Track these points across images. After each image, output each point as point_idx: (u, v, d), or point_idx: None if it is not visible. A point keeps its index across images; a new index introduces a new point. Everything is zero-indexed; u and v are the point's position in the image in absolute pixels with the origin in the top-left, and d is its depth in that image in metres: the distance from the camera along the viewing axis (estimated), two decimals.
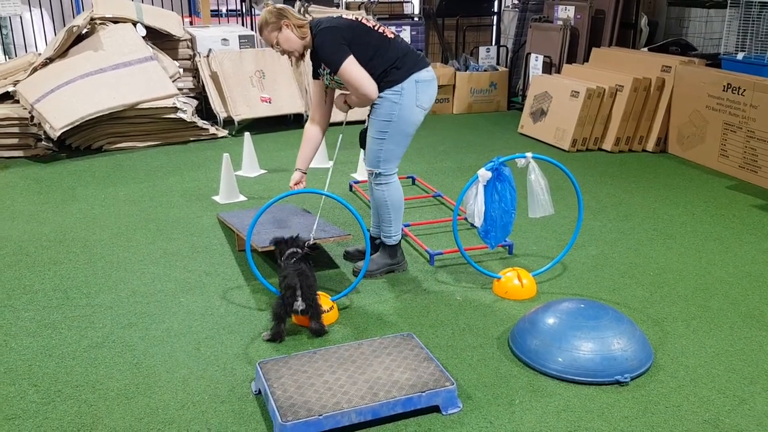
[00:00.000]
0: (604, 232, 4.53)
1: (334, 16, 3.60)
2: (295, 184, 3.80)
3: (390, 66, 3.52)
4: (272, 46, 3.60)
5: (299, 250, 3.39)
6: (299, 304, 3.17)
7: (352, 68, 3.46)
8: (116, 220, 4.78)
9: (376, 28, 3.59)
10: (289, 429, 2.46)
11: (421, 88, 3.59)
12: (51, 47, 6.96)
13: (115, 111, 6.37)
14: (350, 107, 3.74)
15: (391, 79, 3.53)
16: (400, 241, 3.89)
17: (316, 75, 3.71)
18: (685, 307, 3.54)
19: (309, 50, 3.61)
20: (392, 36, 3.61)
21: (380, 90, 3.55)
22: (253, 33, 8.29)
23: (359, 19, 3.59)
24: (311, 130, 3.82)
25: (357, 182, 5.46)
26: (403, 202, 3.83)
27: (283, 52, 3.60)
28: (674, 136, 6.42)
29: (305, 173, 3.85)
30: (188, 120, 6.72)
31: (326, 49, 3.48)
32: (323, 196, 3.59)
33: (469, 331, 3.30)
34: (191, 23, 9.79)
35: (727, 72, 5.97)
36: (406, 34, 8.58)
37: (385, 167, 3.68)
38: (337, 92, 3.80)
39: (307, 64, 3.74)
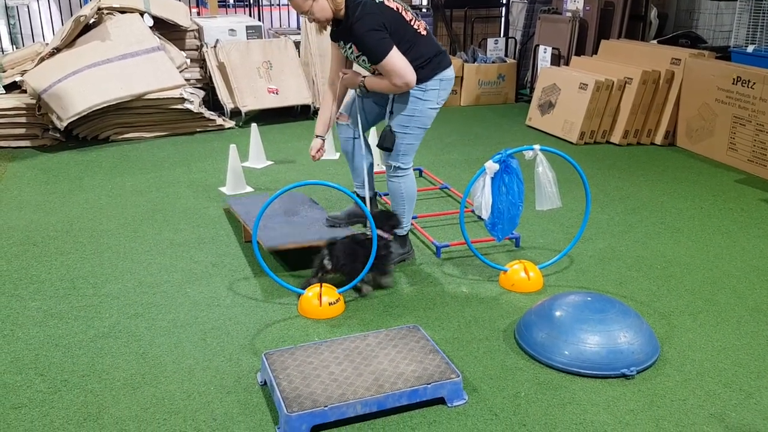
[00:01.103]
0: (612, 225, 4.51)
1: (376, 1, 3.47)
2: (317, 152, 3.80)
3: (418, 64, 3.51)
4: (302, 13, 3.48)
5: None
6: (327, 262, 3.43)
7: (396, 59, 3.41)
8: (123, 210, 4.79)
9: (411, 22, 3.55)
10: (294, 420, 2.46)
11: (442, 86, 3.64)
12: (58, 37, 6.96)
13: (122, 101, 6.37)
14: (367, 90, 3.65)
15: (419, 75, 3.52)
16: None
17: (335, 38, 3.65)
18: (692, 301, 3.52)
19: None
20: (425, 33, 3.59)
21: None
22: (260, 24, 8.28)
23: (399, 10, 3.51)
24: (330, 93, 3.79)
25: None
26: (416, 193, 3.85)
27: (314, 20, 3.50)
28: (683, 129, 6.38)
29: (324, 139, 3.84)
30: (195, 111, 6.72)
31: (369, 39, 3.39)
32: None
33: (475, 324, 3.30)
34: (198, 13, 9.78)
35: (737, 65, 5.93)
36: None
37: (404, 161, 3.71)
38: (356, 67, 3.74)
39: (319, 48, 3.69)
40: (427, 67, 3.54)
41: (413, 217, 4.27)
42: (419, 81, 3.53)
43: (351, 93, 3.85)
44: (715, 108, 5.99)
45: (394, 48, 3.41)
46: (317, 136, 3.85)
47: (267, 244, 3.69)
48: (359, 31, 3.40)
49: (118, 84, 6.37)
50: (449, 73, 3.64)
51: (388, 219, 3.65)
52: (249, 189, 5.20)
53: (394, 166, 3.72)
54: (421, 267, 3.90)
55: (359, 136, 3.83)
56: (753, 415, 2.63)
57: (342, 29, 3.54)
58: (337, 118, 3.87)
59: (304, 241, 3.76)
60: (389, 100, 3.66)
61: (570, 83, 6.75)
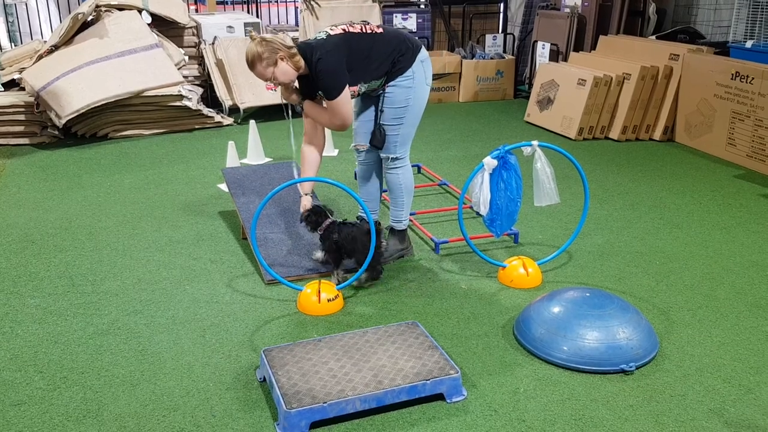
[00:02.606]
0: (610, 221, 4.51)
1: (323, 37, 3.50)
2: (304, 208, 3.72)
3: (397, 55, 3.54)
4: (266, 80, 3.49)
5: (334, 219, 3.62)
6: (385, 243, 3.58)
7: (346, 101, 3.45)
8: (122, 207, 4.78)
9: (363, 30, 3.56)
10: (293, 416, 2.46)
11: (426, 67, 3.66)
12: (56, 34, 6.95)
13: (121, 99, 6.36)
14: (301, 107, 3.64)
15: (401, 66, 3.55)
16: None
17: (311, 97, 3.64)
18: (691, 297, 3.52)
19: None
20: (381, 30, 3.61)
21: (392, 79, 3.57)
22: (258, 20, 8.27)
23: (346, 30, 3.53)
24: (310, 152, 3.74)
25: None
26: (414, 185, 3.87)
27: (279, 84, 3.53)
28: (682, 125, 6.38)
29: (312, 197, 3.78)
30: (193, 108, 6.71)
31: (329, 77, 3.41)
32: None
33: (474, 320, 3.30)
34: (197, 10, 9.77)
35: (736, 60, 5.93)
36: (412, 22, 8.54)
37: (401, 151, 3.73)
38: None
39: None
40: (407, 53, 3.56)
41: (411, 214, 4.27)
42: (404, 70, 3.55)
43: (361, 125, 3.79)
44: (714, 103, 5.98)
45: (347, 89, 3.44)
46: (305, 195, 3.72)
47: (267, 277, 3.63)
48: (319, 72, 3.41)
49: (116, 81, 6.36)
50: (424, 52, 3.67)
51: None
52: None
53: (392, 158, 3.72)
54: (420, 263, 3.90)
55: (377, 161, 3.85)
56: (752, 410, 2.63)
57: (311, 78, 3.52)
58: (356, 147, 3.86)
59: (305, 273, 3.72)
60: (380, 100, 3.65)
61: (568, 79, 6.74)
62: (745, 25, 6.33)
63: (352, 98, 3.56)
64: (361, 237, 3.49)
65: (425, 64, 3.65)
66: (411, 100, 3.62)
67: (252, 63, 3.43)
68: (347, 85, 3.45)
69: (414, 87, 3.61)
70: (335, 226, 3.59)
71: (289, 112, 3.84)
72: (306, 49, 3.45)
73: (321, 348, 2.86)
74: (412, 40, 3.66)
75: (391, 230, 3.90)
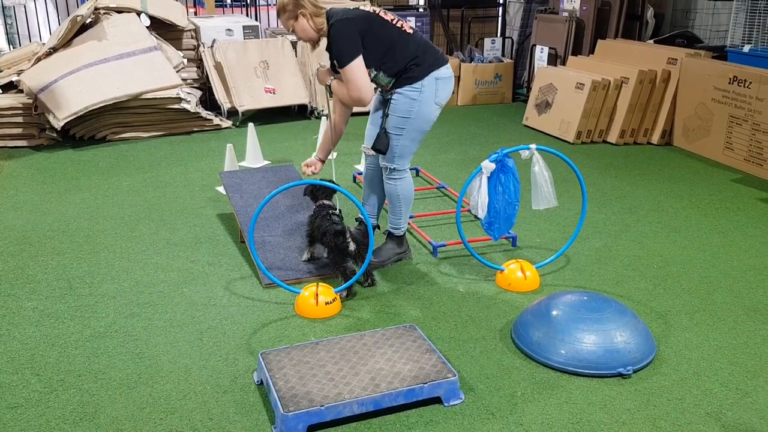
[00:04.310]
0: (608, 225, 4.52)
1: (351, 8, 3.55)
2: (308, 167, 3.90)
3: (410, 62, 3.50)
4: (289, 32, 3.62)
5: (329, 204, 3.74)
6: (352, 246, 3.50)
7: (358, 69, 3.43)
8: (120, 210, 4.78)
9: (393, 21, 3.55)
10: (290, 419, 2.46)
11: (440, 86, 3.58)
12: (55, 37, 6.95)
13: (119, 101, 6.36)
14: (331, 93, 3.68)
15: (411, 75, 3.51)
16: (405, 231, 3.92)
17: (334, 68, 3.65)
18: (689, 300, 3.52)
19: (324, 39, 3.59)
20: (411, 31, 3.58)
21: (400, 86, 3.54)
22: (257, 23, 8.27)
23: (377, 12, 3.54)
24: (336, 124, 3.83)
25: (361, 173, 5.44)
26: (413, 195, 3.84)
27: (299, 39, 3.60)
28: (679, 129, 6.39)
29: (323, 162, 3.93)
30: (192, 110, 6.71)
31: (338, 42, 3.43)
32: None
33: (472, 323, 3.30)
34: (195, 13, 9.77)
35: (734, 64, 5.94)
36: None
37: (399, 163, 3.68)
38: (324, 65, 3.76)
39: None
40: (423, 65, 3.51)
41: (410, 217, 4.27)
42: (414, 80, 3.51)
43: (371, 129, 3.80)
44: (712, 107, 5.99)
45: (359, 59, 3.43)
46: (316, 155, 3.94)
47: (265, 280, 3.64)
48: (331, 36, 3.46)
49: (114, 84, 6.36)
50: (445, 71, 3.59)
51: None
52: None
53: (390, 168, 3.70)
54: (418, 266, 3.90)
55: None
56: (749, 414, 2.64)
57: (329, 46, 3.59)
58: (364, 150, 3.89)
59: (303, 276, 3.73)
60: (388, 104, 3.64)
61: (567, 83, 6.75)
62: (742, 30, 6.34)
63: None
64: (329, 234, 3.55)
65: (440, 83, 3.57)
66: (414, 113, 3.55)
67: (278, 12, 3.58)
68: (360, 56, 3.43)
69: (420, 101, 3.54)
70: (323, 208, 3.71)
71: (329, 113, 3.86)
72: (331, 13, 3.51)
73: (318, 351, 2.86)
74: (437, 54, 3.59)
75: (389, 234, 3.89)
